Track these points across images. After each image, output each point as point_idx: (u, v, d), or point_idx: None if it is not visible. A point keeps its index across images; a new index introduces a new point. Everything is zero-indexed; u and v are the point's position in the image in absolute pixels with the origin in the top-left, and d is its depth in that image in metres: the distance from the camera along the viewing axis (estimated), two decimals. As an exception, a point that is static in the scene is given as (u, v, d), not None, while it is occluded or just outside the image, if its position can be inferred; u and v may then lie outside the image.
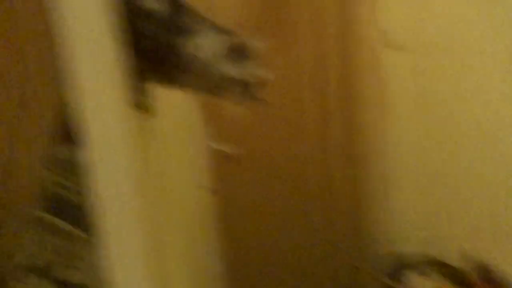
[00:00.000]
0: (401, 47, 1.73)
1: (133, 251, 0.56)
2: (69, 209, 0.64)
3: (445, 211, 1.80)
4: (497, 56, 1.53)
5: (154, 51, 0.74)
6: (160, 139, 0.95)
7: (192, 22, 0.78)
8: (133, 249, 0.56)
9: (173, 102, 1.21)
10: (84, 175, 0.52)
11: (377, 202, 1.91)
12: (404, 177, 1.89)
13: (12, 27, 1.01)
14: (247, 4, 1.85)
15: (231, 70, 0.76)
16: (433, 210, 1.83)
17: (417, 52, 1.71)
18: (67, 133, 0.62)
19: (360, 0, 1.95)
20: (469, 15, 1.60)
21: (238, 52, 0.77)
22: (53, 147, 0.70)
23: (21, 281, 0.68)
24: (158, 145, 0.91)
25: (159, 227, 0.81)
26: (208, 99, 0.89)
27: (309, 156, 2.02)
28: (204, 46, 0.76)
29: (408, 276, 1.65)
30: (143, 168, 0.70)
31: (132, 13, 0.70)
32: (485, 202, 1.66)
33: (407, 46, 1.71)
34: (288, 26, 2.00)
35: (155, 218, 0.80)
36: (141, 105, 0.76)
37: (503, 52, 1.50)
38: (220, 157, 1.99)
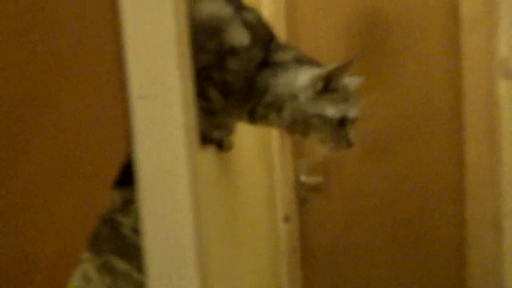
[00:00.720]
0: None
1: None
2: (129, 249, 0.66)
3: None
4: None
5: (246, 89, 0.73)
6: (238, 169, 0.94)
7: (285, 58, 0.76)
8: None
9: (251, 136, 1.20)
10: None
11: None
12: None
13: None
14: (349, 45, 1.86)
15: (326, 109, 0.73)
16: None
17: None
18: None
19: (474, 27, 1.82)
20: None
21: (333, 91, 0.74)
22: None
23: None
24: (236, 175, 0.91)
25: (233, 256, 0.79)
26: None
27: (406, 188, 1.93)
28: (298, 82, 0.74)
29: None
30: (217, 198, 0.69)
31: (220, 50, 0.71)
32: None
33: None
34: (394, 60, 1.96)
35: (229, 246, 0.78)
36: (223, 143, 0.76)
37: None
38: (304, 187, 1.98)
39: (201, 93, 0.74)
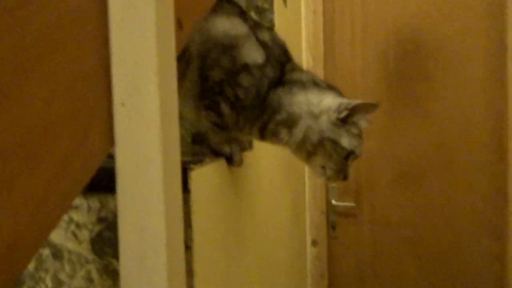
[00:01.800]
0: None
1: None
2: None
3: None
4: None
5: (258, 106, 0.75)
6: (262, 187, 0.94)
7: (301, 78, 0.78)
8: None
9: (280, 155, 1.20)
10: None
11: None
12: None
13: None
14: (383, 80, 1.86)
15: (342, 138, 0.74)
16: None
17: None
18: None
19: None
20: None
21: (351, 124, 0.75)
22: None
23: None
24: (259, 193, 0.91)
25: (255, 277, 0.78)
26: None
27: (440, 219, 1.86)
28: (322, 104, 0.75)
29: None
30: (231, 213, 0.69)
31: (234, 67, 0.73)
32: None
33: None
34: (432, 86, 1.92)
35: (248, 265, 0.77)
36: (234, 158, 0.77)
37: None
38: (334, 211, 1.95)
39: (213, 108, 0.76)
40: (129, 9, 0.34)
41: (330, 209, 2.14)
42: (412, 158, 2.05)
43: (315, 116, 0.76)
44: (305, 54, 2.19)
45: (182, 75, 0.74)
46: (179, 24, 0.52)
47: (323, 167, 0.79)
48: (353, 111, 0.76)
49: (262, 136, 0.79)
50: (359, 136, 0.78)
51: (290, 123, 0.76)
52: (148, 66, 0.34)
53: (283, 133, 0.77)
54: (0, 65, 0.26)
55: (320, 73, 2.14)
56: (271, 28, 0.82)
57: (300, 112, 0.76)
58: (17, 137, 0.26)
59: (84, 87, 0.32)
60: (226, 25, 0.74)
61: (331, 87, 0.82)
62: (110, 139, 0.35)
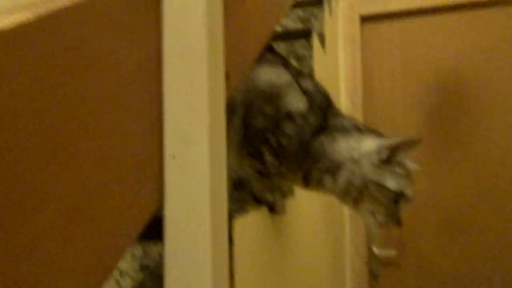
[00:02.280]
0: None
1: None
2: None
3: None
4: None
5: (301, 153, 0.75)
6: (301, 234, 0.92)
7: (344, 124, 0.77)
8: None
9: (320, 202, 1.18)
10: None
11: None
12: None
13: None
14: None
15: (387, 180, 0.71)
16: None
17: None
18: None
19: None
20: None
21: (395, 164, 0.72)
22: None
23: None
24: (298, 239, 0.89)
25: None
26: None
27: (490, 271, 1.73)
28: (362, 148, 0.74)
29: None
30: (268, 260, 0.68)
31: (277, 115, 0.74)
32: None
33: None
34: (477, 131, 1.86)
35: None
36: (276, 206, 0.76)
37: None
38: (376, 259, 1.87)
39: (256, 155, 0.76)
40: (183, 66, 0.35)
41: (372, 257, 2.06)
42: (460, 204, 1.96)
43: (356, 161, 0.74)
44: (344, 100, 2.19)
45: (226, 123, 0.75)
46: (227, 76, 0.53)
47: (373, 213, 0.75)
48: (395, 150, 0.73)
49: (307, 184, 0.78)
50: (406, 176, 0.75)
51: (334, 170, 0.75)
52: (199, 119, 0.35)
53: (328, 181, 0.75)
54: (64, 124, 0.27)
55: (359, 117, 2.13)
56: (312, 76, 0.83)
57: (342, 158, 0.75)
58: (78, 195, 0.26)
59: (140, 142, 0.33)
60: (270, 74, 0.76)
61: (372, 130, 0.81)
62: (160, 191, 0.36)
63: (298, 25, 1.77)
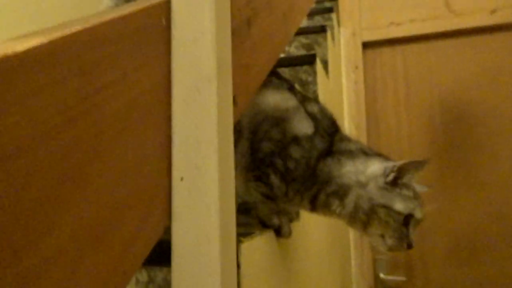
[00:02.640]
0: None
1: None
2: None
3: None
4: None
5: (308, 177, 0.75)
6: (307, 259, 0.91)
7: (350, 148, 0.78)
8: None
9: (326, 225, 1.17)
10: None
11: None
12: None
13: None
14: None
15: (395, 202, 0.70)
16: None
17: None
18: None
19: None
20: None
21: (403, 187, 0.72)
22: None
23: None
24: (304, 265, 0.87)
25: None
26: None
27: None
28: (369, 171, 0.74)
29: None
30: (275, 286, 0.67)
31: (284, 139, 0.74)
32: None
33: None
34: (484, 154, 1.85)
35: None
36: (282, 229, 0.76)
37: None
38: (384, 286, 1.83)
39: (263, 179, 0.76)
40: (193, 92, 0.36)
41: (378, 284, 2.02)
42: (468, 228, 1.93)
43: (363, 184, 0.74)
44: (348, 124, 2.20)
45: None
46: (234, 101, 0.54)
47: (382, 236, 0.74)
48: (401, 172, 0.73)
49: (314, 208, 0.78)
50: (414, 198, 0.74)
51: (341, 194, 0.75)
52: (208, 143, 0.35)
53: (335, 205, 0.75)
54: (75, 148, 0.27)
55: (363, 142, 2.13)
56: (318, 100, 0.84)
57: (349, 182, 0.75)
58: (88, 219, 0.27)
59: (148, 166, 0.34)
60: (277, 99, 0.77)
61: (378, 154, 0.81)
62: (168, 214, 0.36)
63: (302, 52, 1.80)
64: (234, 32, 0.56)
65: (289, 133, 0.75)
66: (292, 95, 0.79)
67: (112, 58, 0.30)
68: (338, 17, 2.28)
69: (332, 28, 2.02)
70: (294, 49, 1.80)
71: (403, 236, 0.74)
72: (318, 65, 1.47)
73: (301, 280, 0.93)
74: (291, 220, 0.84)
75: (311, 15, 2.13)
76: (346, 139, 0.81)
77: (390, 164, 0.75)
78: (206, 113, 0.36)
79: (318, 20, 2.12)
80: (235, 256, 0.38)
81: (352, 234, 2.07)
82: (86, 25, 0.28)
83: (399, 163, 0.74)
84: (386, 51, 2.27)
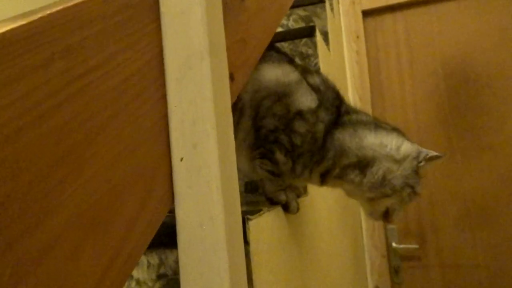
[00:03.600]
0: None
1: None
2: None
3: None
4: None
5: (317, 151, 0.74)
6: (317, 233, 0.92)
7: (362, 119, 0.76)
8: None
9: (333, 198, 1.17)
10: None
11: None
12: None
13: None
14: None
15: (417, 186, 0.76)
16: None
17: None
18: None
19: None
20: None
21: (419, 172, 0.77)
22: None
23: None
24: (315, 239, 0.88)
25: None
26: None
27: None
28: (403, 149, 0.74)
29: None
30: (287, 261, 0.68)
31: (288, 114, 0.73)
32: None
33: None
34: (491, 117, 1.83)
35: None
36: (290, 205, 0.75)
37: None
38: (396, 255, 1.85)
39: (268, 156, 0.75)
40: (185, 69, 0.35)
41: (391, 253, 2.03)
42: (478, 194, 1.92)
43: (397, 161, 0.76)
44: (352, 95, 2.17)
45: (235, 125, 0.75)
46: (231, 78, 0.53)
47: (385, 210, 0.77)
48: (430, 161, 0.77)
49: (324, 181, 0.77)
50: (419, 182, 0.79)
51: (363, 165, 0.75)
52: (205, 120, 0.34)
53: (354, 175, 0.76)
54: (68, 132, 0.26)
55: (368, 113, 2.11)
56: (320, 72, 0.82)
57: (374, 154, 0.75)
58: (85, 203, 0.26)
59: (145, 146, 0.33)
60: (278, 73, 0.75)
61: (395, 128, 0.82)
62: (170, 195, 0.35)
63: (301, 25, 1.76)
64: (226, 6, 0.54)
65: (293, 107, 0.74)
66: (293, 68, 0.77)
67: (97, 38, 0.29)
68: (336, -14, 2.22)
69: (330, -2, 1.97)
70: (293, 22, 1.76)
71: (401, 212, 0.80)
72: (318, 37, 1.44)
73: (313, 254, 0.94)
74: (298, 196, 0.83)
75: (308, -14, 2.08)
76: (353, 110, 0.80)
77: (423, 150, 0.78)
78: (200, 90, 0.34)
79: (315, -9, 2.07)
80: (241, 234, 0.38)
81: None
82: (68, 5, 0.27)
83: (431, 153, 0.77)
84: (387, 18, 2.22)
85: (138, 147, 0.32)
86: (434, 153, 0.77)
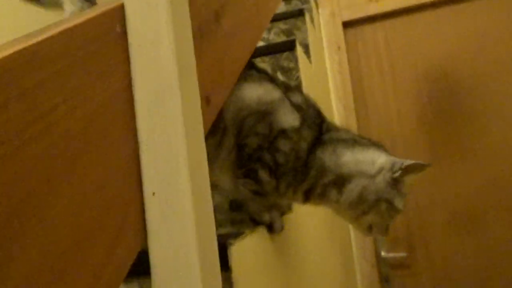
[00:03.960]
0: None
1: None
2: None
3: None
4: None
5: (300, 169, 0.73)
6: (306, 247, 0.91)
7: (342, 137, 0.76)
8: None
9: (321, 210, 1.16)
10: None
11: None
12: None
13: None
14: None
15: (396, 198, 0.74)
16: None
17: None
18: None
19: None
20: None
21: (400, 183, 0.75)
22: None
23: None
24: (304, 252, 0.87)
25: None
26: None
27: (504, 264, 1.70)
28: (378, 163, 0.73)
29: None
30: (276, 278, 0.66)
31: (271, 133, 0.72)
32: None
33: None
34: (475, 124, 1.85)
35: None
36: (274, 225, 0.74)
37: None
38: (386, 263, 1.85)
39: (251, 175, 0.75)
40: (155, 100, 0.34)
41: (381, 262, 2.02)
42: (464, 200, 1.94)
43: (371, 176, 0.75)
44: (335, 105, 2.18)
45: (218, 145, 0.74)
46: (207, 101, 0.52)
47: (370, 226, 0.76)
48: (407, 170, 0.75)
49: (307, 199, 0.77)
50: (405, 195, 0.77)
51: (340, 183, 0.75)
52: (177, 154, 0.34)
53: (333, 194, 0.75)
54: (28, 175, 0.25)
55: (353, 123, 2.12)
56: (301, 89, 0.83)
57: (350, 171, 0.75)
58: (53, 242, 0.25)
59: (115, 182, 0.32)
60: (259, 92, 0.75)
61: (374, 143, 0.81)
62: (143, 231, 0.34)
63: (282, 38, 1.77)
64: (200, 30, 0.53)
65: (276, 126, 0.73)
66: (275, 86, 0.77)
67: (60, 75, 0.28)
68: (316, -2, 2.25)
69: (310, 10, 1.99)
70: (274, 36, 1.77)
71: (388, 226, 0.78)
72: (299, 50, 1.45)
73: (300, 271, 0.93)
74: (283, 214, 0.82)
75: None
76: (334, 128, 0.81)
77: (398, 160, 0.76)
78: (171, 121, 0.34)
79: (296, 4, 2.09)
80: (218, 270, 0.37)
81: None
82: (26, 44, 0.26)
83: (407, 162, 0.75)
84: (367, 28, 2.25)
85: (107, 184, 0.31)
86: (411, 162, 0.75)
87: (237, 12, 0.69)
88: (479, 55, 2.00)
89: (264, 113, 0.74)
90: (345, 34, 2.24)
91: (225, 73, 0.60)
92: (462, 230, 1.92)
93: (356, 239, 2.06)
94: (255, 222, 0.74)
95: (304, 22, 1.77)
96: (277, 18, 1.80)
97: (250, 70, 0.77)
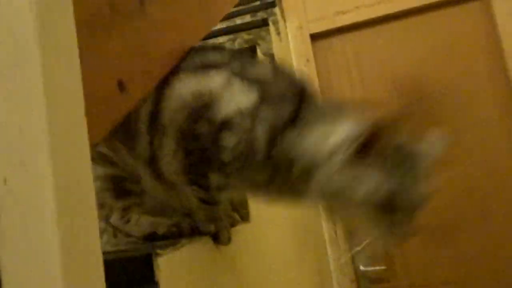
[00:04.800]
0: None
1: None
2: None
3: None
4: None
5: (271, 164, 0.62)
6: (279, 264, 0.83)
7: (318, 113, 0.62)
8: None
9: (296, 224, 1.09)
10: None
11: None
12: None
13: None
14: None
15: (358, 183, 0.54)
16: None
17: None
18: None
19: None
20: None
21: (379, 156, 0.55)
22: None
23: None
24: (278, 270, 0.79)
25: None
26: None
27: (485, 276, 1.65)
28: (331, 140, 0.57)
29: None
30: None
31: (212, 129, 0.62)
32: None
33: None
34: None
35: None
36: (220, 236, 0.66)
37: None
38: (365, 277, 1.78)
39: (199, 182, 0.65)
40: (11, 69, 0.27)
41: (360, 276, 1.94)
42: (440, 210, 1.88)
43: (326, 158, 0.55)
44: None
45: (158, 150, 0.66)
46: (120, 86, 0.45)
47: (372, 228, 0.58)
48: (372, 138, 0.53)
49: (282, 198, 0.65)
50: (400, 169, 0.56)
51: (307, 175, 0.57)
52: (37, 133, 0.26)
53: (304, 191, 0.59)
54: None
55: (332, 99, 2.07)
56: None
57: (312, 156, 0.57)
58: None
59: None
60: (192, 85, 0.62)
61: (346, 108, 0.62)
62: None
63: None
64: (113, 8, 0.47)
65: (217, 118, 0.60)
66: (218, 70, 0.63)
67: None
68: (282, 11, 2.22)
69: (276, 22, 1.96)
70: (238, 46, 1.72)
71: (390, 225, 0.58)
72: (260, 57, 1.39)
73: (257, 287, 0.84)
74: (233, 225, 0.73)
75: (254, 11, 2.07)
76: (313, 102, 0.62)
77: (354, 128, 0.54)
78: (29, 95, 0.26)
79: (261, 16, 2.05)
80: (103, 280, 0.29)
81: (326, 228, 2.00)
82: None
83: (359, 127, 0.53)
84: (336, 40, 2.23)
85: None
86: (370, 122, 0.52)
87: (169, 1, 0.62)
88: (447, 63, 1.99)
89: (202, 108, 0.61)
90: (313, 46, 2.22)
91: (149, 63, 0.53)
92: (439, 242, 1.87)
93: (333, 254, 1.99)
94: (199, 232, 0.65)
95: (268, 32, 1.73)
96: (241, 29, 1.76)
97: (194, 58, 0.67)
